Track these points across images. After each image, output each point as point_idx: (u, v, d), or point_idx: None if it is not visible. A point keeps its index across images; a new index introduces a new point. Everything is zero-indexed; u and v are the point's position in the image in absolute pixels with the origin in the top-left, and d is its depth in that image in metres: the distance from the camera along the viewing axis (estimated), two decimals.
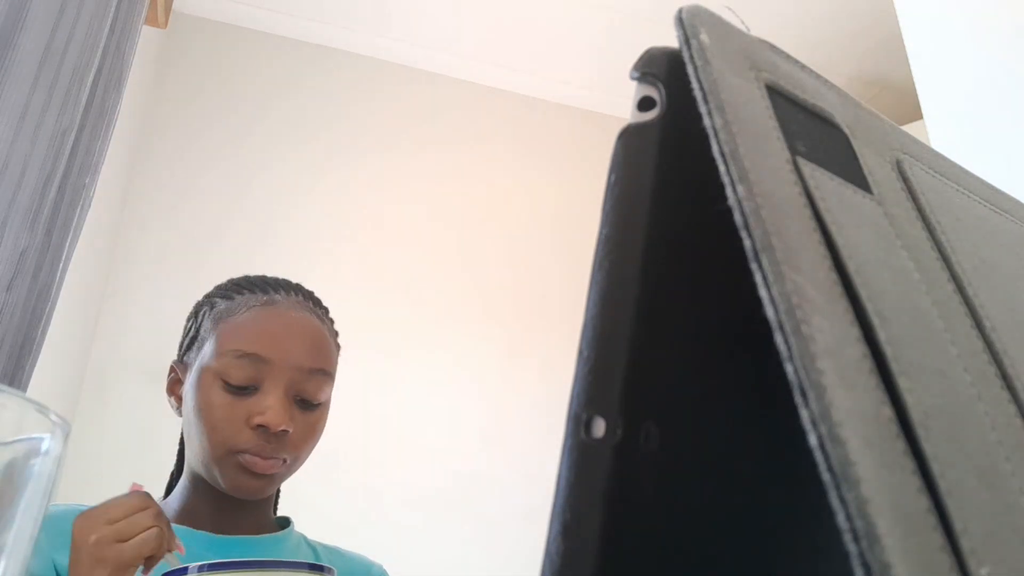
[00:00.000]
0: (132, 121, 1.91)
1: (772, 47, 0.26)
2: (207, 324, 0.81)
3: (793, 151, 0.22)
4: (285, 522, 0.87)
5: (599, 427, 0.20)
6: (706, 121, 0.20)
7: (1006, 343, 0.23)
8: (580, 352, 0.21)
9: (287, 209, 2.10)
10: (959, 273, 0.24)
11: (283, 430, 0.75)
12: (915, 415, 0.17)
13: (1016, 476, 0.19)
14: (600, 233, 0.22)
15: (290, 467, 0.78)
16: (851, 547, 0.14)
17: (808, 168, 0.22)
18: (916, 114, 1.32)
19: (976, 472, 0.18)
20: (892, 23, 1.45)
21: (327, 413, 0.82)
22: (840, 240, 0.20)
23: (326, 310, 0.88)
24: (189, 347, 0.83)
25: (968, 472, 0.17)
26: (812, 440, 0.15)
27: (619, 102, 2.46)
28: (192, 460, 0.79)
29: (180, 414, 0.81)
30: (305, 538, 0.87)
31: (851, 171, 0.24)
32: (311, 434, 0.79)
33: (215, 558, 0.75)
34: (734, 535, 0.23)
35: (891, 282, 0.21)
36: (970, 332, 0.22)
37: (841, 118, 0.26)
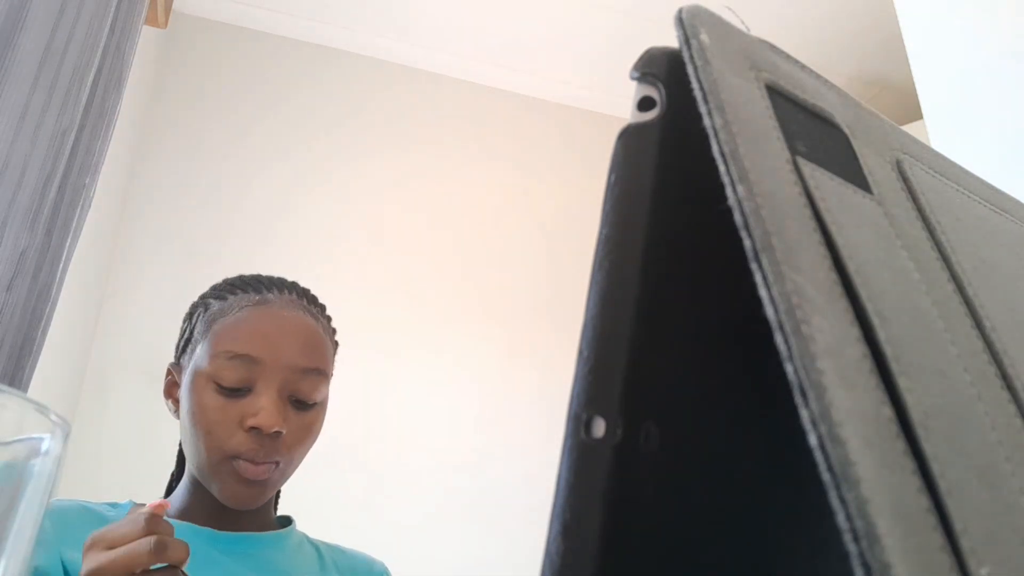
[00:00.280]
0: (132, 121, 1.91)
1: (772, 47, 0.26)
2: (200, 326, 0.80)
3: (793, 151, 0.22)
4: (286, 521, 0.87)
5: (599, 427, 0.20)
6: (706, 121, 0.20)
7: (1006, 343, 0.23)
8: (580, 352, 0.21)
9: (287, 209, 2.10)
10: (959, 273, 0.24)
11: (276, 431, 0.74)
12: (915, 415, 0.17)
13: (1016, 476, 0.19)
14: (600, 233, 0.22)
15: (284, 471, 0.77)
16: (851, 547, 0.14)
17: (808, 168, 0.22)
18: (916, 114, 1.32)
19: (976, 472, 0.18)
20: (892, 23, 1.45)
21: (323, 413, 0.81)
22: (840, 240, 0.20)
23: (322, 308, 0.87)
24: (184, 349, 0.82)
25: (968, 472, 0.17)
26: (812, 440, 0.15)
27: (619, 102, 2.46)
28: (190, 465, 0.79)
29: (178, 417, 0.80)
30: (307, 537, 0.87)
31: (851, 171, 0.24)
32: (306, 435, 0.78)
33: (218, 554, 0.75)
34: (734, 535, 0.23)
35: (891, 282, 0.21)
36: (970, 332, 0.22)
37: (841, 118, 0.26)
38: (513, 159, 2.37)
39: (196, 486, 0.79)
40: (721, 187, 0.19)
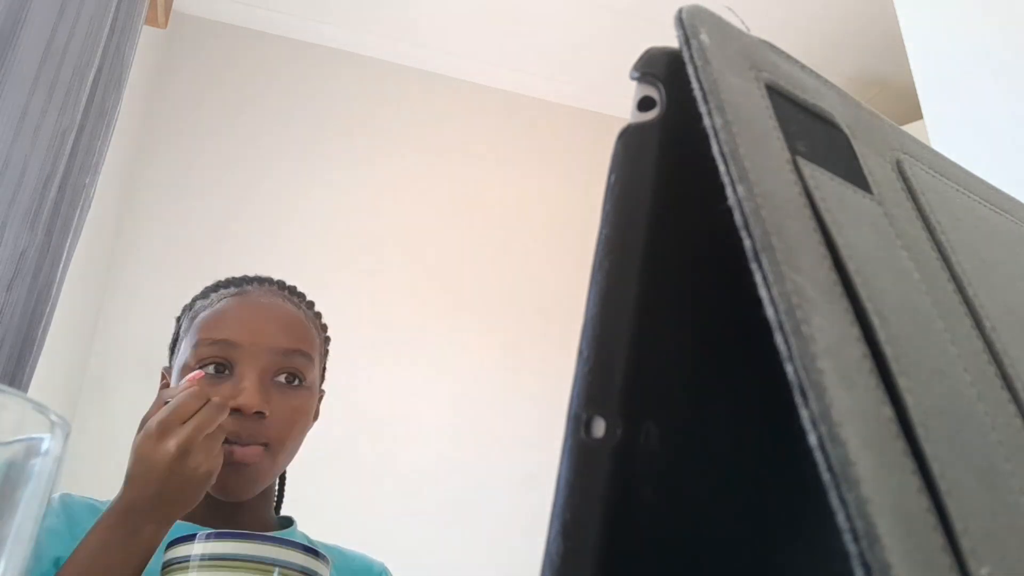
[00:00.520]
0: (132, 121, 1.91)
1: (772, 47, 0.26)
2: (185, 324, 0.82)
3: (793, 151, 0.22)
4: (287, 523, 0.87)
5: (599, 427, 0.20)
6: (706, 121, 0.20)
7: (1006, 343, 0.23)
8: (580, 352, 0.21)
9: (287, 209, 2.10)
10: (959, 273, 0.24)
11: (259, 412, 0.73)
12: (915, 415, 0.17)
13: (1016, 476, 0.19)
14: (600, 233, 0.22)
15: (275, 457, 0.76)
16: (851, 547, 0.14)
17: (808, 168, 0.22)
18: (916, 114, 1.32)
19: (976, 472, 0.18)
20: (892, 23, 1.45)
21: (313, 400, 0.81)
22: (840, 240, 0.20)
23: (303, 297, 0.87)
24: (173, 351, 0.84)
25: (968, 472, 0.17)
26: (812, 440, 0.15)
27: (619, 102, 2.46)
28: None
29: None
30: (307, 538, 0.87)
31: (851, 171, 0.24)
32: (294, 418, 0.77)
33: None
34: (734, 535, 0.23)
35: (891, 282, 0.21)
36: (970, 332, 0.22)
37: (841, 118, 0.26)
38: (513, 159, 2.37)
39: None
40: (721, 187, 0.19)
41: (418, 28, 2.25)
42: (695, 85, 0.21)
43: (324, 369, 0.87)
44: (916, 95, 1.22)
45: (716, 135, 0.20)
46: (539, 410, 2.09)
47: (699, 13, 0.23)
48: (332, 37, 2.28)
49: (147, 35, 1.79)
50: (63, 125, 0.94)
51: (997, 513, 0.17)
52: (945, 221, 0.26)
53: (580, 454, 0.20)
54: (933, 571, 0.14)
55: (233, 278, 0.86)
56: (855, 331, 0.18)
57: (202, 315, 0.80)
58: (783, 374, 0.16)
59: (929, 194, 0.27)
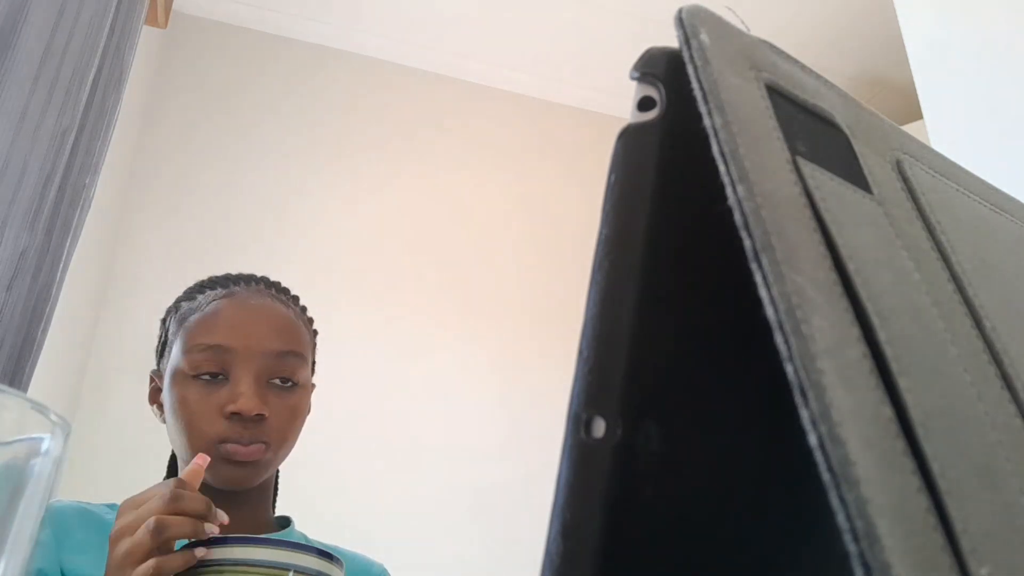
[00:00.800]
0: (132, 121, 1.91)
1: (772, 47, 0.26)
2: (173, 327, 0.81)
3: (793, 151, 0.22)
4: (285, 522, 0.87)
5: (599, 427, 0.20)
6: (706, 121, 0.20)
7: (1006, 343, 0.23)
8: (580, 352, 0.21)
9: (287, 208, 2.10)
10: (959, 273, 0.24)
11: (258, 415, 0.74)
12: (915, 415, 0.17)
13: (1016, 476, 0.19)
14: (600, 233, 0.22)
15: (277, 452, 0.77)
16: (851, 547, 0.14)
17: (808, 168, 0.22)
18: (916, 114, 1.32)
19: (976, 472, 0.18)
20: (892, 23, 1.45)
21: (308, 396, 0.81)
22: (840, 240, 0.20)
23: (293, 297, 0.87)
24: (162, 354, 0.83)
25: (968, 472, 0.17)
26: (812, 440, 0.15)
27: (619, 102, 2.46)
28: (181, 462, 0.78)
29: (164, 422, 0.80)
30: (306, 538, 0.87)
31: (851, 171, 0.24)
32: (292, 417, 0.78)
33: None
34: (734, 535, 0.23)
35: (891, 282, 0.21)
36: (970, 332, 0.22)
37: (841, 118, 0.26)
38: (513, 159, 2.37)
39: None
40: (721, 187, 0.19)
41: (419, 29, 2.25)
42: (695, 85, 0.21)
43: (314, 363, 0.88)
44: (916, 95, 1.22)
45: (716, 135, 0.20)
46: (539, 410, 2.09)
47: (699, 13, 0.23)
48: (333, 37, 2.28)
49: (147, 35, 1.79)
50: (63, 125, 0.95)
51: (997, 513, 0.17)
52: (945, 221, 0.26)
53: (580, 454, 0.20)
54: (933, 571, 0.14)
55: (217, 278, 0.86)
56: (855, 331, 0.18)
57: (192, 319, 0.79)
58: (783, 374, 0.16)
59: (929, 194, 0.27)
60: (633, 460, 0.20)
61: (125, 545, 0.57)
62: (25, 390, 0.94)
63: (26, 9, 0.95)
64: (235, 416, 0.74)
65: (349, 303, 2.00)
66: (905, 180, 0.26)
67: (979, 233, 0.28)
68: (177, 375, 0.77)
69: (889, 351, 0.18)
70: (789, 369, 0.16)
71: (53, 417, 0.25)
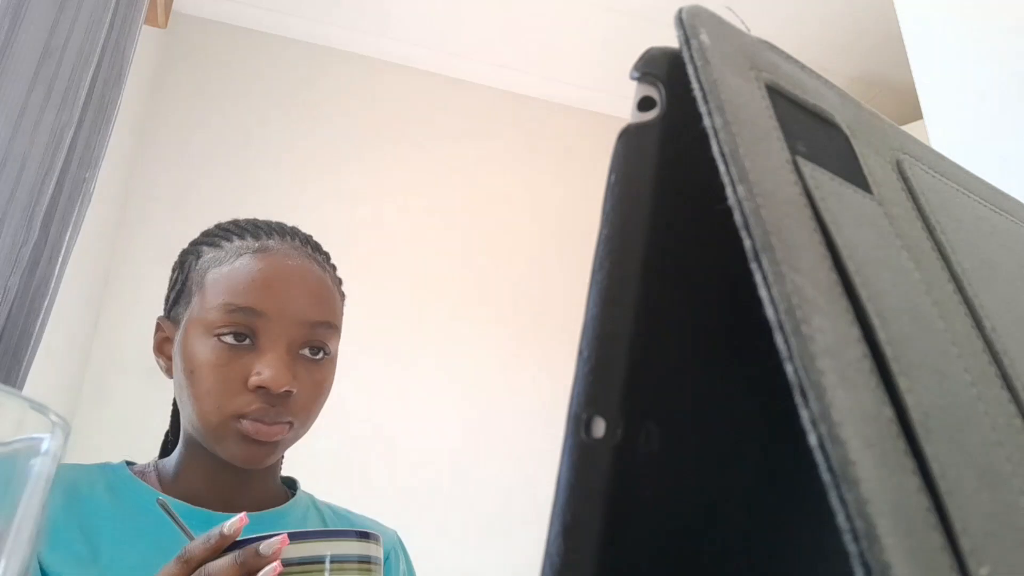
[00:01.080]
0: (132, 121, 1.91)
1: (772, 47, 0.26)
2: (196, 277, 0.72)
3: (793, 151, 0.22)
4: (291, 483, 0.81)
5: (599, 427, 0.20)
6: (706, 121, 0.20)
7: (1006, 343, 0.23)
8: (580, 352, 0.21)
9: (287, 209, 2.09)
10: (959, 273, 0.24)
11: (286, 391, 0.67)
12: (915, 415, 0.17)
13: (1016, 476, 0.19)
14: (600, 233, 0.22)
15: (297, 431, 0.70)
16: (851, 547, 0.14)
17: (808, 168, 0.22)
18: (916, 114, 1.32)
19: (976, 472, 0.18)
20: (892, 23, 1.45)
21: (334, 368, 0.74)
22: (840, 240, 0.20)
23: (327, 255, 0.80)
24: (176, 301, 0.74)
25: (968, 472, 0.17)
26: (812, 440, 0.15)
27: (620, 102, 2.46)
28: (187, 426, 0.71)
29: (170, 375, 0.73)
30: (314, 501, 0.81)
31: (851, 171, 0.24)
32: (318, 392, 0.71)
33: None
34: (734, 535, 0.23)
35: (891, 282, 0.21)
36: (970, 332, 0.22)
37: (841, 118, 0.26)
38: (513, 159, 2.37)
39: (192, 453, 0.72)
40: (721, 187, 0.19)
41: (421, 29, 2.25)
42: (695, 85, 0.21)
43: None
44: (916, 95, 1.22)
45: (716, 135, 0.20)
46: (540, 410, 2.09)
47: (699, 13, 0.23)
48: (333, 37, 2.28)
49: (147, 35, 1.79)
50: (62, 121, 0.94)
51: (997, 513, 0.17)
52: (945, 221, 0.26)
53: (580, 454, 0.20)
54: (933, 571, 0.14)
55: (244, 223, 0.77)
56: (855, 331, 0.18)
57: (219, 271, 0.71)
58: (783, 374, 0.16)
59: (929, 194, 0.27)
60: (633, 460, 0.20)
61: None
62: (22, 386, 0.93)
63: (25, 6, 0.94)
64: (260, 390, 0.66)
65: (348, 302, 1.99)
66: (905, 180, 0.26)
67: (979, 233, 0.28)
68: (195, 331, 0.69)
69: (889, 351, 0.18)
70: (789, 369, 0.16)
71: (53, 417, 0.25)
